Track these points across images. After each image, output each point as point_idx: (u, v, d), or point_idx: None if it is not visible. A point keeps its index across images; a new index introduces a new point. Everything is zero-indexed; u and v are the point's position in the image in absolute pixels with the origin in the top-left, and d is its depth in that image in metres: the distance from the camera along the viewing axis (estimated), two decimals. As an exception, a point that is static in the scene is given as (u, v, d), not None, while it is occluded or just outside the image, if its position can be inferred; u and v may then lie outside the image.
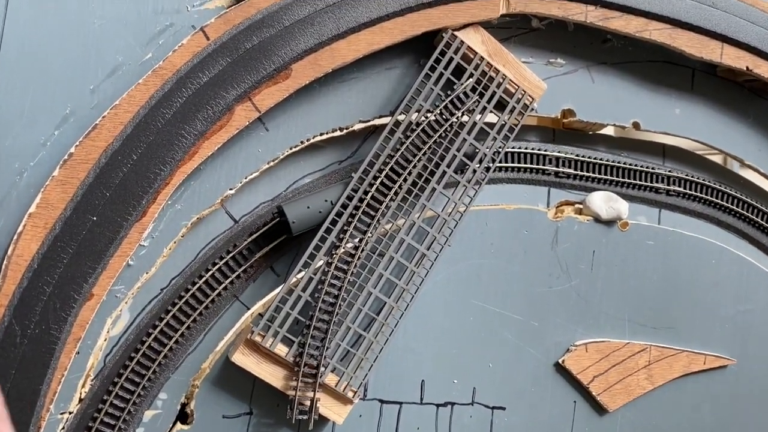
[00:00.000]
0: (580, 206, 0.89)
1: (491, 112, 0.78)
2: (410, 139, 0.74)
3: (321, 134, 0.76)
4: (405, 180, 0.74)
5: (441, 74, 0.76)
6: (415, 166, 0.75)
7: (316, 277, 0.72)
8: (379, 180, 0.73)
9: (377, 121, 0.80)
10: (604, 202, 0.88)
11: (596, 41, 0.88)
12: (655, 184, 0.93)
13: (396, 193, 0.74)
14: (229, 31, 0.69)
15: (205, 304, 0.73)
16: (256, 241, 0.75)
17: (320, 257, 0.73)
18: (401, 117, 0.75)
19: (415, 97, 0.75)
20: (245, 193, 0.75)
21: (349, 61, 0.73)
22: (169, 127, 0.67)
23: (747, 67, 0.89)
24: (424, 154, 0.75)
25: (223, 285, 0.73)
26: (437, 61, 0.76)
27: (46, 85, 0.67)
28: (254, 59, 0.69)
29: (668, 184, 0.93)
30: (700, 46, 0.87)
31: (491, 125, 0.78)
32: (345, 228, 0.73)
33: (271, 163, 0.75)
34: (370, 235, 0.73)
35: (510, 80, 0.79)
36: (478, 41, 0.78)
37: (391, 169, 0.74)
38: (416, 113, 0.75)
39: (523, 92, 0.79)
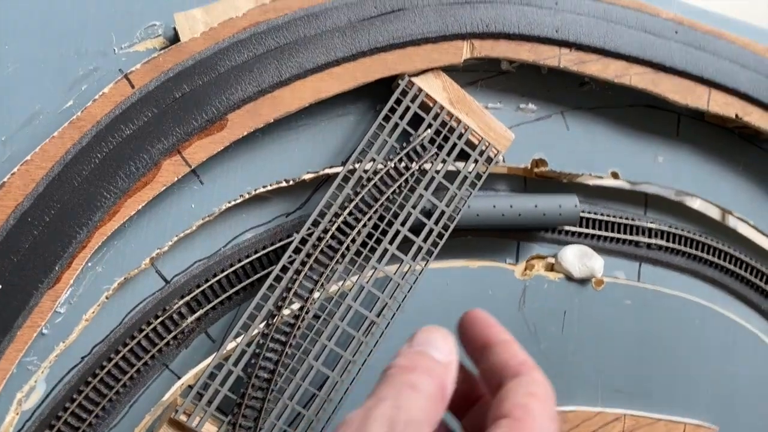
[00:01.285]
0: (552, 261, 0.82)
1: (451, 165, 0.71)
2: (361, 194, 0.68)
3: (264, 186, 0.70)
4: (354, 239, 0.68)
5: (396, 124, 0.70)
6: (365, 225, 0.68)
7: (250, 349, 0.66)
8: (325, 239, 0.67)
9: (329, 170, 0.73)
10: (577, 258, 0.81)
11: (572, 85, 0.81)
12: (636, 237, 0.86)
13: (343, 254, 0.67)
14: (157, 78, 0.63)
15: (129, 374, 0.66)
16: (188, 304, 0.69)
17: (256, 326, 0.66)
18: (352, 168, 0.68)
19: (367, 149, 0.69)
20: (179, 250, 0.69)
21: (294, 110, 0.67)
22: (87, 184, 0.61)
23: (736, 114, 0.82)
24: (376, 211, 0.68)
25: (151, 353, 0.67)
26: (392, 109, 0.69)
27: (-51, 136, 0.61)
28: (184, 109, 0.63)
29: (650, 237, 0.87)
30: (685, 92, 0.80)
31: (452, 179, 0.72)
32: (284, 294, 0.67)
33: (207, 218, 0.68)
34: (312, 300, 0.67)
35: (473, 130, 0.72)
36: (438, 87, 0.71)
37: (339, 226, 0.67)
38: (369, 164, 0.69)
39: (487, 143, 0.73)
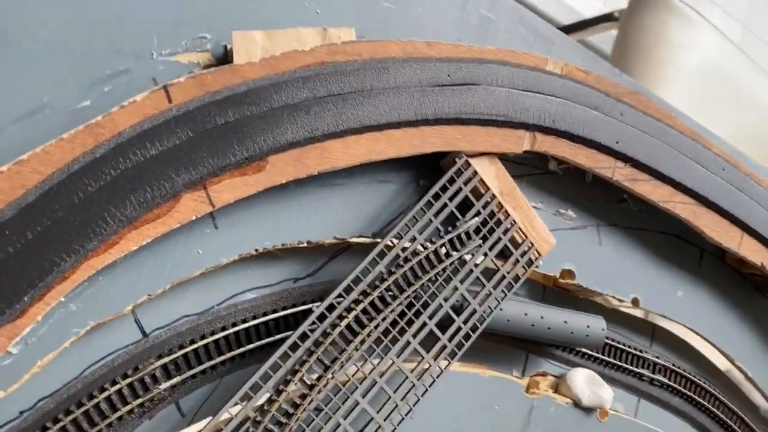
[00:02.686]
0: (556, 380, 0.75)
1: (490, 262, 0.64)
2: (395, 276, 0.59)
3: (282, 244, 0.60)
4: (377, 325, 0.58)
5: (444, 205, 0.62)
6: (392, 311, 0.59)
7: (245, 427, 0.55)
8: (347, 319, 0.57)
9: (356, 239, 0.64)
10: (587, 385, 0.74)
11: (612, 199, 0.77)
12: (640, 370, 0.81)
13: (363, 340, 0.58)
14: (200, 98, 0.53)
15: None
16: (165, 367, 0.57)
17: (257, 399, 0.55)
18: (390, 243, 0.60)
19: (409, 226, 0.61)
20: (166, 299, 0.57)
21: (341, 167, 0.58)
22: (89, 204, 0.49)
23: (762, 263, 0.80)
24: (407, 297, 0.59)
25: (108, 420, 0.54)
26: (443, 188, 0.62)
27: (-72, 110, 0.48)
28: (223, 139, 0.53)
29: (653, 372, 0.82)
30: (721, 231, 0.77)
31: (488, 276, 0.64)
32: (296, 367, 0.56)
33: (211, 269, 0.57)
34: (320, 388, 0.57)
35: (518, 227, 0.66)
36: (492, 175, 0.65)
37: (365, 307, 0.58)
38: (408, 243, 0.60)
39: (530, 244, 0.66)
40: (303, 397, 0.56)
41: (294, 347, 0.56)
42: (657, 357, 0.82)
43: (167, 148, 0.51)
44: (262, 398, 0.55)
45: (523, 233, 0.66)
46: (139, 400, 0.55)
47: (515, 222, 0.65)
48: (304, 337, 0.57)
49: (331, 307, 0.57)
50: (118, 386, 0.55)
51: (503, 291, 0.64)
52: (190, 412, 0.58)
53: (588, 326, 0.70)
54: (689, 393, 0.83)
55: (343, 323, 0.57)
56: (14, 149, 0.49)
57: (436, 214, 0.62)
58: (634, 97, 0.71)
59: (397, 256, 0.60)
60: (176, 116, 0.52)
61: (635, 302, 0.78)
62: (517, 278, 0.65)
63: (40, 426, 0.52)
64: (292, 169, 0.56)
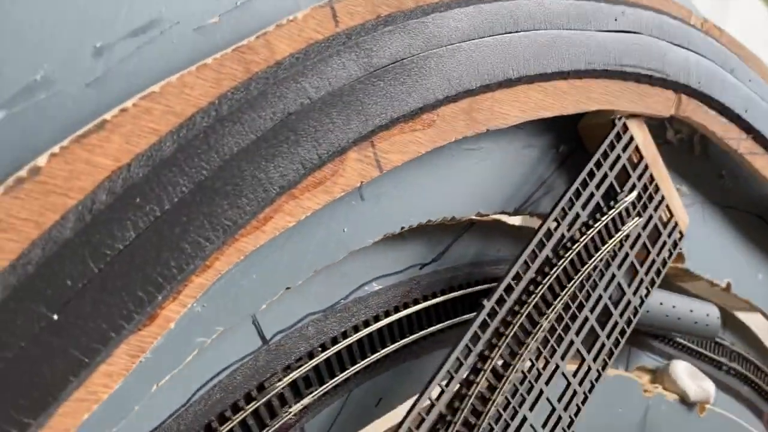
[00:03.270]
0: (654, 374, 0.68)
1: (646, 243, 0.55)
2: (565, 260, 0.48)
3: (429, 221, 0.47)
4: (548, 317, 0.47)
5: (605, 175, 0.52)
6: (562, 301, 0.48)
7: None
8: (524, 310, 0.46)
9: (496, 216, 0.53)
10: (691, 378, 0.67)
11: (713, 175, 0.70)
12: (720, 358, 0.75)
13: (535, 335, 0.47)
14: (371, 24, 0.39)
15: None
16: (294, 383, 0.43)
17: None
18: (555, 222, 0.49)
19: (573, 200, 0.50)
20: (285, 297, 0.43)
21: (511, 123, 0.46)
22: (242, 162, 0.34)
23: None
24: (573, 285, 0.49)
25: (234, 459, 0.40)
26: (605, 155, 0.52)
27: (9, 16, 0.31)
28: (396, 81, 0.40)
29: (730, 360, 0.77)
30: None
31: (639, 261, 0.55)
32: (478, 366, 0.44)
33: (353, 251, 0.44)
34: (507, 380, 0.45)
35: (666, 204, 0.57)
36: (642, 141, 0.55)
37: (536, 300, 0.47)
38: (569, 222, 0.50)
39: (675, 223, 0.58)
40: (487, 396, 0.44)
41: (471, 343, 0.44)
42: (732, 344, 0.77)
43: (337, 88, 0.37)
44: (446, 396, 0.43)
45: (669, 210, 0.57)
46: (267, 430, 0.41)
47: (663, 197, 0.56)
48: (475, 337, 0.45)
49: (500, 304, 0.46)
50: (241, 414, 0.40)
51: (653, 277, 0.55)
52: (316, 439, 0.45)
53: (707, 315, 0.63)
54: (760, 382, 0.79)
55: (518, 320, 0.45)
56: (124, 78, 0.33)
57: (598, 186, 0.51)
58: (757, 63, 0.65)
59: (563, 236, 0.49)
60: (345, 44, 0.38)
61: (728, 287, 0.72)
62: (664, 262, 0.57)
63: None
64: (462, 124, 0.44)
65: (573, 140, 0.56)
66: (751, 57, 0.64)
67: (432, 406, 0.43)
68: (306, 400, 0.43)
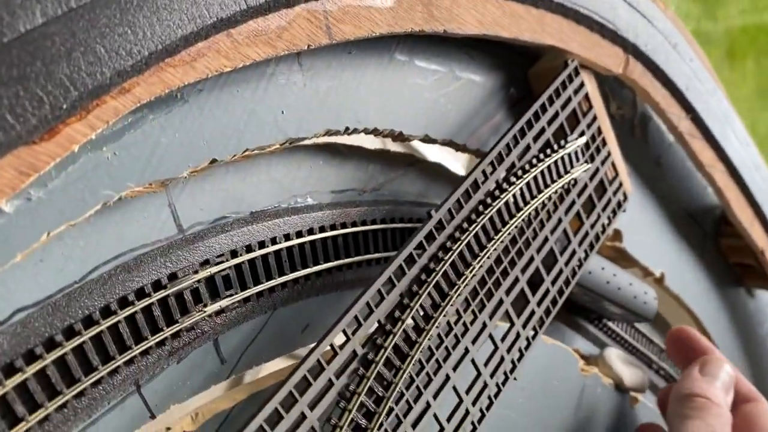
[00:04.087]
0: (587, 358, 0.65)
1: (592, 196, 0.53)
2: (501, 199, 0.45)
3: (375, 130, 0.43)
4: (480, 267, 0.43)
5: (556, 113, 0.50)
6: (502, 241, 0.45)
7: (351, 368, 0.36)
8: (453, 252, 0.41)
9: (430, 150, 0.50)
10: (625, 365, 0.65)
11: (650, 161, 0.70)
12: (651, 355, 0.73)
13: (465, 282, 0.42)
14: None
15: (79, 388, 0.31)
16: (212, 280, 0.37)
17: (365, 330, 0.37)
18: (498, 157, 0.46)
19: (519, 136, 0.47)
20: (208, 183, 0.38)
21: (467, 31, 0.44)
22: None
23: (762, 250, 0.77)
24: (509, 232, 0.45)
25: (127, 355, 0.33)
26: (557, 93, 0.50)
27: None
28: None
29: (660, 359, 0.75)
30: (740, 209, 0.73)
31: (583, 214, 0.53)
32: (414, 289, 0.39)
33: (289, 142, 0.39)
34: (439, 316, 0.40)
35: (612, 161, 0.55)
36: (591, 92, 0.54)
37: (470, 238, 0.43)
38: (514, 157, 0.47)
39: (620, 183, 0.56)
40: (412, 338, 0.39)
41: (396, 277, 0.39)
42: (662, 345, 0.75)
43: (292, -71, 0.34)
44: (365, 332, 0.37)
45: (615, 168, 0.55)
46: (176, 327, 0.35)
47: (610, 153, 0.55)
48: (401, 269, 0.40)
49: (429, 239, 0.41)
50: (147, 300, 0.34)
51: (598, 233, 0.53)
52: (231, 357, 0.39)
53: (645, 293, 0.61)
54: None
55: (453, 252, 0.41)
56: None
57: (549, 123, 0.49)
58: (695, 47, 0.66)
59: (512, 165, 0.46)
60: None
61: (662, 278, 0.71)
62: (609, 220, 0.54)
63: (16, 353, 0.30)
64: (420, 16, 0.41)
65: (523, 87, 0.54)
66: (691, 40, 0.65)
67: (335, 355, 0.36)
68: (224, 302, 0.37)
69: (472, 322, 0.42)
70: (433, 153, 0.57)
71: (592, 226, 0.52)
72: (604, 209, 0.54)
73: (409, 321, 0.39)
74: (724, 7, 2.62)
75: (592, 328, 0.66)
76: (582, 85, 0.52)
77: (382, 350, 0.37)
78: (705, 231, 0.79)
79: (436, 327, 0.40)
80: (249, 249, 0.39)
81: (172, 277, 0.35)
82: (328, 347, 0.35)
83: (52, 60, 0.26)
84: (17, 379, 0.29)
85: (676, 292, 0.73)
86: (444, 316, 0.40)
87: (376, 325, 0.38)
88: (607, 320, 0.66)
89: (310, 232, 0.42)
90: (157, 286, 0.35)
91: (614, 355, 0.65)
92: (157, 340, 0.34)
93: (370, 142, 0.47)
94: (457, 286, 0.41)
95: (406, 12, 0.40)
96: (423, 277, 0.40)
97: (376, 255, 0.46)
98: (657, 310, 0.63)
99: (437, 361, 0.40)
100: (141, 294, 0.34)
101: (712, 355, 0.56)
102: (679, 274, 0.74)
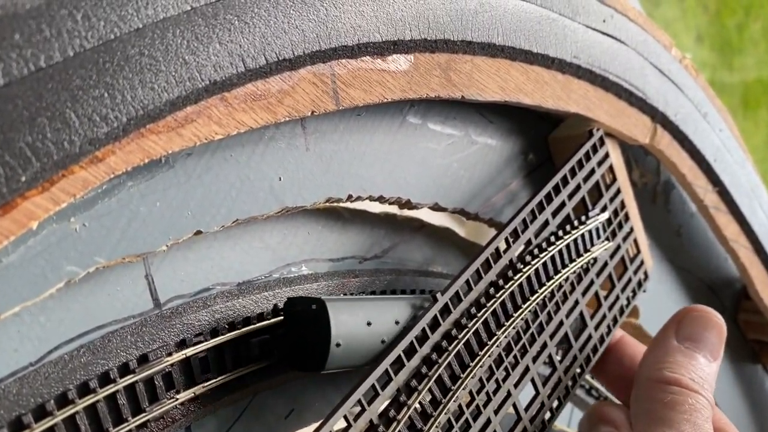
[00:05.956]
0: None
1: (611, 274, 0.49)
2: (528, 270, 0.41)
3: (381, 197, 0.40)
4: (497, 344, 0.39)
5: (578, 186, 0.46)
6: (514, 326, 0.41)
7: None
8: (467, 332, 0.38)
9: (436, 218, 0.46)
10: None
11: (671, 231, 0.66)
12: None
13: (479, 362, 0.38)
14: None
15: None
16: (187, 363, 0.33)
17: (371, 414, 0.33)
18: (517, 228, 0.42)
19: (541, 207, 0.43)
20: (192, 252, 0.34)
21: (488, 98, 0.40)
22: (163, 32, 0.27)
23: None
24: (533, 303, 0.42)
25: (88, 446, 0.29)
26: (579, 164, 0.46)
27: None
28: None
29: None
30: (763, 286, 0.69)
31: (602, 295, 0.49)
32: (414, 384, 0.35)
33: (286, 210, 0.36)
34: (439, 414, 0.36)
35: (634, 237, 0.51)
36: (616, 163, 0.50)
37: (494, 310, 0.39)
38: (534, 231, 0.43)
39: (641, 261, 0.52)
40: (417, 426, 0.35)
41: (406, 355, 0.35)
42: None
43: (301, -16, 0.30)
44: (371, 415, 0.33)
45: (636, 245, 0.52)
46: (142, 417, 0.31)
47: (632, 229, 0.51)
48: (412, 348, 0.36)
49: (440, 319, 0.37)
50: (111, 387, 0.30)
51: (616, 316, 0.49)
52: (205, 447, 0.35)
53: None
54: None
55: (459, 341, 0.37)
56: None
57: (570, 197, 0.45)
58: (726, 116, 0.62)
59: (529, 242, 0.42)
60: (318, -60, 0.31)
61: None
62: (628, 301, 0.50)
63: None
64: (437, 81, 0.37)
65: (543, 153, 0.50)
66: (722, 108, 0.62)
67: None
68: (198, 389, 0.33)
69: (475, 418, 0.38)
70: (440, 218, 0.53)
71: (610, 308, 0.48)
72: (623, 290, 0.50)
73: (417, 405, 0.35)
74: (741, 57, 2.60)
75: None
76: (606, 156, 0.48)
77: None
78: (724, 305, 0.74)
79: (437, 427, 0.36)
80: (232, 327, 0.35)
81: (143, 359, 0.31)
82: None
83: (12, 126, 0.23)
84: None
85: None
86: (445, 413, 0.36)
87: (368, 424, 0.34)
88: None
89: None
90: (125, 370, 0.31)
91: None
92: (128, 427, 0.30)
93: (376, 207, 0.43)
94: (460, 380, 0.37)
95: (422, 77, 0.36)
96: (424, 370, 0.36)
97: (374, 332, 0.42)
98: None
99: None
100: (105, 380, 0.30)
101: (691, 310, 0.45)
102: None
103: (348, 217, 0.42)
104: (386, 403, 0.34)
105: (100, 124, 0.25)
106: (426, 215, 0.48)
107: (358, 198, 0.39)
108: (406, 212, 0.45)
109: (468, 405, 0.38)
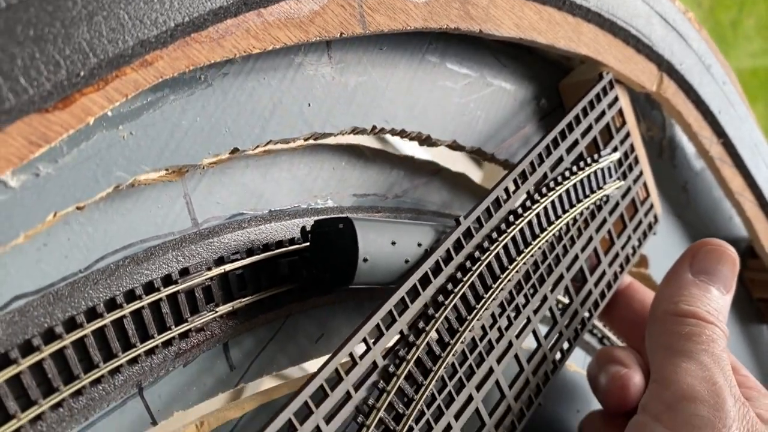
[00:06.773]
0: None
1: (622, 214, 0.50)
2: (538, 206, 0.42)
3: (404, 131, 0.41)
4: (516, 270, 0.41)
5: (590, 127, 0.48)
6: (532, 254, 0.42)
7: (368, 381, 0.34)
8: (481, 263, 0.39)
9: (451, 164, 0.48)
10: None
11: (677, 186, 0.67)
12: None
13: (492, 296, 0.40)
14: None
15: (77, 386, 0.29)
16: (225, 278, 0.34)
17: (389, 338, 0.34)
18: (530, 167, 0.43)
19: (553, 145, 0.45)
20: (227, 177, 0.36)
21: (504, 33, 0.42)
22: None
23: None
24: (545, 239, 0.43)
25: (131, 354, 0.31)
26: (591, 104, 0.48)
27: None
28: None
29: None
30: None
31: (614, 233, 0.50)
32: (441, 299, 0.37)
33: (315, 136, 0.37)
34: (464, 331, 0.37)
35: (644, 181, 0.53)
36: (625, 107, 0.52)
37: (506, 244, 0.40)
38: (546, 168, 0.44)
39: (651, 205, 0.54)
40: (436, 352, 0.37)
41: (422, 285, 0.37)
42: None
43: None
44: (387, 343, 0.35)
45: (646, 188, 0.53)
46: (185, 327, 0.32)
47: (642, 172, 0.52)
48: (427, 278, 0.37)
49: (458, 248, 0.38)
50: (155, 295, 0.31)
51: (629, 256, 0.50)
52: (241, 363, 0.36)
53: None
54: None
55: (481, 263, 0.39)
56: None
57: (583, 135, 0.47)
58: (728, 70, 0.64)
59: (545, 176, 0.44)
60: None
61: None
62: (639, 242, 0.52)
63: (11, 343, 0.27)
64: (456, 13, 0.39)
65: (554, 100, 0.52)
66: (725, 63, 0.63)
67: (354, 365, 0.33)
68: (236, 303, 0.34)
69: (498, 340, 0.40)
70: (455, 163, 0.55)
71: (623, 247, 0.50)
72: (635, 230, 0.51)
73: (433, 334, 0.36)
74: (735, 49, 2.61)
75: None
76: (616, 99, 0.50)
77: (405, 363, 0.35)
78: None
79: (461, 342, 0.37)
80: (266, 248, 0.36)
81: (184, 272, 0.33)
82: (348, 357, 0.33)
83: (72, 22, 0.24)
84: (11, 371, 0.27)
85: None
86: (470, 330, 0.38)
87: (399, 335, 0.35)
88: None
89: (330, 235, 0.39)
90: (168, 281, 0.32)
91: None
92: (164, 339, 0.32)
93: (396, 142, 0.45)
94: (483, 300, 0.38)
95: (442, 8, 0.38)
96: (449, 287, 0.37)
97: (397, 264, 0.43)
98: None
99: (460, 379, 0.38)
100: (150, 288, 0.31)
101: (706, 243, 0.45)
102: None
103: (369, 156, 0.43)
104: (415, 315, 0.36)
105: (150, 27, 0.26)
106: (442, 160, 0.50)
107: (381, 130, 0.40)
108: (425, 155, 0.46)
109: (491, 327, 0.39)
